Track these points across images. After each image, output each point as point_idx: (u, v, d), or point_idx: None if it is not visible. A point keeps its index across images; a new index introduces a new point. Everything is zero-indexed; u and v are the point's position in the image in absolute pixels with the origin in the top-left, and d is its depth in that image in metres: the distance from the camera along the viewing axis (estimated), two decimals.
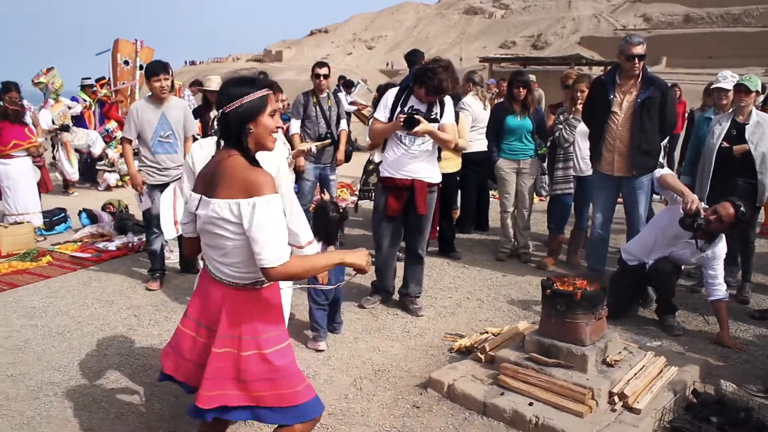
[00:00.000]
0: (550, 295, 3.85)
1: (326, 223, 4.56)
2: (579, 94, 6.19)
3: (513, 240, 6.85)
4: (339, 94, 10.89)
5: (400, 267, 5.48)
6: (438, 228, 6.90)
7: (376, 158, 5.40)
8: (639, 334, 4.81)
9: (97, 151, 11.11)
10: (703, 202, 4.84)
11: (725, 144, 5.47)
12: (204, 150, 3.37)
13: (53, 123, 10.43)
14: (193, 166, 3.36)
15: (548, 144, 6.66)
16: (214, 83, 7.07)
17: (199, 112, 7.10)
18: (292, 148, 6.35)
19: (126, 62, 11.76)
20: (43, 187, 8.73)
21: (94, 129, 11.54)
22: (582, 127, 6.07)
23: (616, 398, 3.53)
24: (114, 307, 5.36)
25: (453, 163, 6.65)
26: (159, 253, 5.90)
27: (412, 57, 6.77)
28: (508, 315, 5.26)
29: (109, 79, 12.06)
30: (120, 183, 11.18)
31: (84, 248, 7.02)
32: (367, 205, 8.34)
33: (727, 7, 59.24)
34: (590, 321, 3.74)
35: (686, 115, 10.32)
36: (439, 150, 5.19)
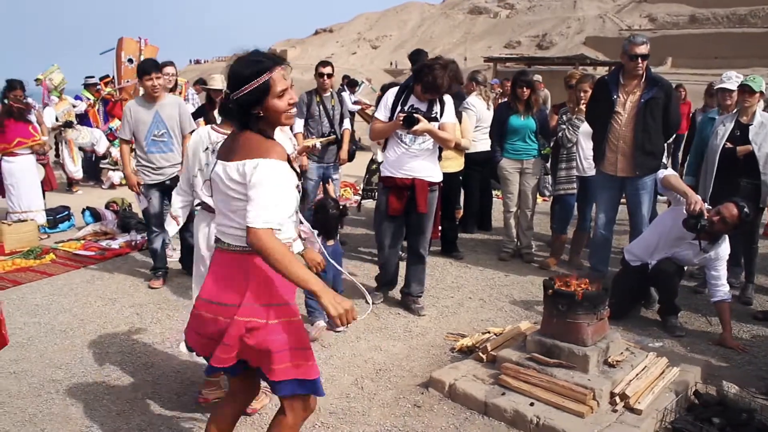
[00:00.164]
0: (551, 295, 3.84)
1: (326, 219, 4.82)
2: (582, 94, 6.18)
3: (516, 240, 6.84)
4: (343, 93, 10.88)
5: (402, 267, 5.48)
6: (441, 227, 6.91)
7: (380, 157, 5.42)
8: (641, 335, 4.80)
9: (101, 149, 11.14)
10: (706, 203, 4.83)
11: (729, 145, 5.45)
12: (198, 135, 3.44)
13: (57, 120, 10.46)
14: (189, 156, 3.40)
15: (551, 144, 6.65)
16: (217, 82, 7.06)
17: (202, 111, 7.10)
18: None
19: (130, 60, 11.75)
20: (48, 185, 8.76)
21: (102, 127, 11.57)
22: (585, 127, 6.06)
23: (617, 399, 3.52)
24: (116, 305, 5.37)
25: (456, 163, 6.65)
26: (160, 251, 5.91)
27: (416, 57, 6.75)
28: (510, 315, 5.26)
29: (113, 77, 12.08)
30: (123, 181, 11.17)
31: (87, 246, 7.04)
32: (370, 204, 8.35)
33: (734, 7, 59.06)
34: (592, 321, 3.73)
35: (690, 115, 10.29)
36: (440, 149, 5.19)
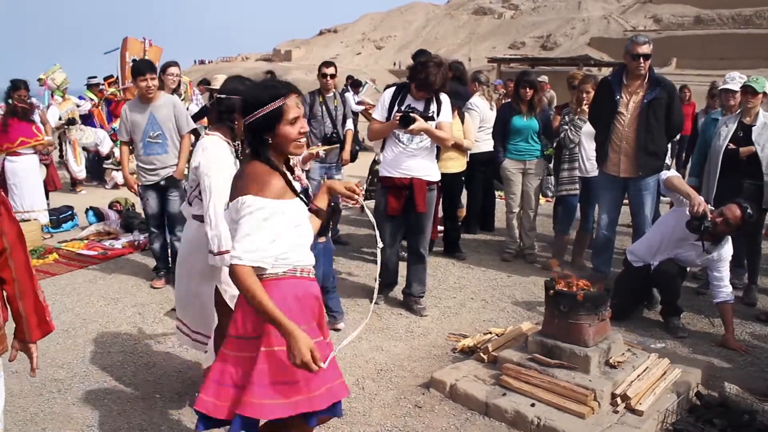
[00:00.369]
0: (553, 295, 3.84)
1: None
2: (584, 95, 6.17)
3: (518, 241, 6.83)
4: (347, 93, 10.88)
5: (403, 267, 5.48)
6: (444, 228, 6.91)
7: (382, 158, 5.41)
8: (643, 336, 4.79)
9: (105, 149, 11.17)
10: (709, 204, 4.82)
11: (732, 146, 5.44)
12: (209, 152, 3.39)
13: (60, 119, 10.48)
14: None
15: (554, 145, 6.65)
16: (220, 82, 7.05)
17: (205, 111, 7.09)
18: None
19: (134, 61, 11.79)
20: (51, 184, 8.78)
21: (105, 127, 11.60)
22: (587, 128, 6.05)
23: (618, 400, 3.52)
24: (119, 305, 5.38)
25: (458, 163, 6.64)
26: (160, 252, 5.92)
27: (419, 57, 6.74)
28: (513, 315, 5.25)
29: (117, 77, 12.11)
30: None
31: (90, 246, 7.05)
32: (372, 204, 8.34)
33: (739, 8, 58.86)
34: (593, 322, 3.73)
35: (694, 116, 10.27)
36: (438, 148, 5.20)
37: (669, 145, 6.04)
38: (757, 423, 3.34)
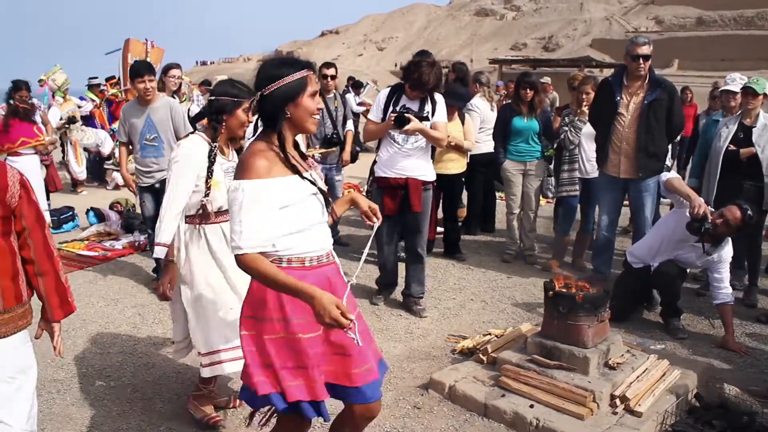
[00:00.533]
0: (552, 297, 3.84)
1: None
2: (585, 96, 6.16)
3: (519, 242, 6.83)
4: (348, 94, 10.89)
5: (402, 268, 5.48)
6: (444, 229, 6.91)
7: (378, 158, 5.42)
8: (643, 337, 4.79)
9: (106, 150, 11.16)
10: (709, 206, 4.81)
11: (732, 147, 5.44)
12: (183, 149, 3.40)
13: (61, 119, 10.48)
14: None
15: (554, 146, 6.64)
16: None
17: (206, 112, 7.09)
18: None
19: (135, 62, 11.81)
20: (52, 185, 8.78)
21: (106, 128, 11.61)
22: (588, 129, 6.05)
23: (617, 401, 3.51)
24: (119, 306, 5.38)
25: (458, 164, 6.64)
26: None
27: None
28: (512, 317, 5.25)
29: (119, 78, 12.12)
30: None
31: (91, 247, 7.06)
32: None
33: (741, 9, 58.76)
34: (592, 323, 3.73)
35: (695, 118, 10.25)
36: (434, 148, 5.20)
37: (669, 147, 6.04)
38: (756, 425, 3.33)
